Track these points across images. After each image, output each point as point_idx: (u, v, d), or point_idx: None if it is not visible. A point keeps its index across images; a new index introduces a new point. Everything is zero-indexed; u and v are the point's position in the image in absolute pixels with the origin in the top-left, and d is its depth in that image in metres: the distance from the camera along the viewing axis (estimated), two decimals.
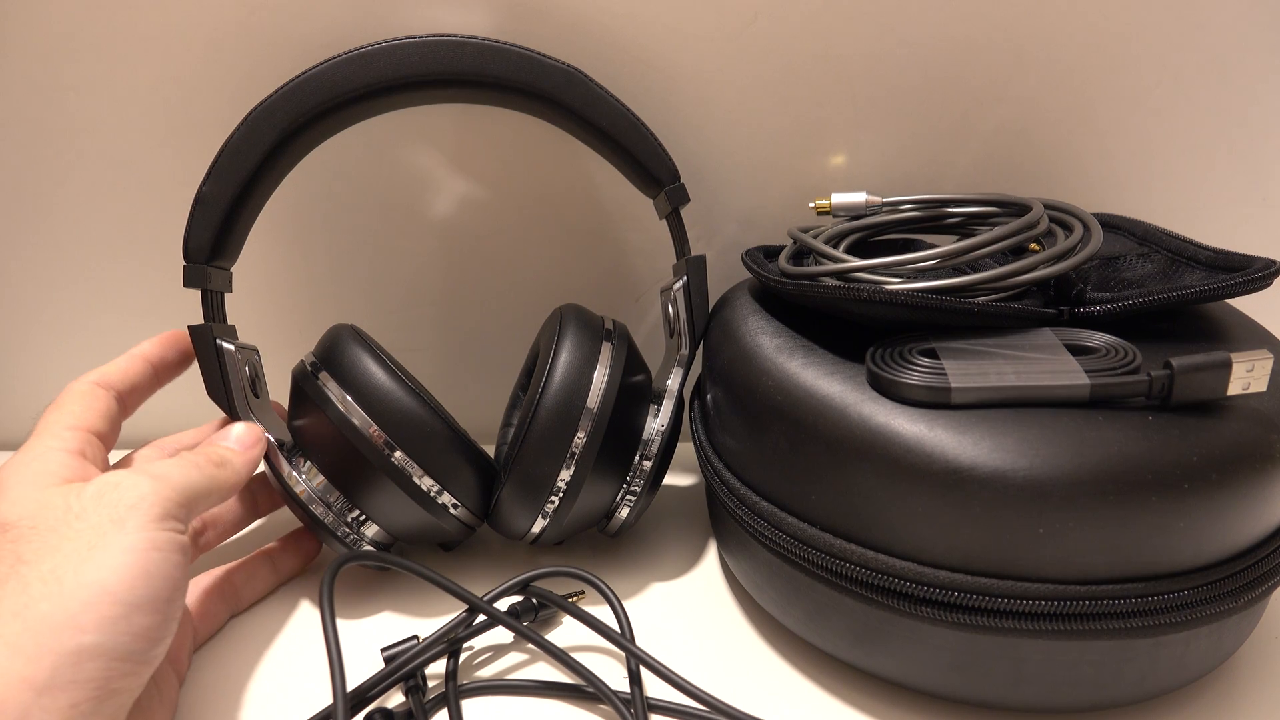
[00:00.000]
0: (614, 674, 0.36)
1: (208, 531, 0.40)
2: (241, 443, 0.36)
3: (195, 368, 0.39)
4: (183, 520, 0.31)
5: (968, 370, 0.31)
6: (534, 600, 0.38)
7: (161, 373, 0.38)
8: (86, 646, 0.26)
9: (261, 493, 0.42)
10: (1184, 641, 0.31)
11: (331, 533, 0.38)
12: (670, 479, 0.47)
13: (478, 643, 0.38)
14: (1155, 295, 0.34)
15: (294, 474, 0.38)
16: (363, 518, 0.39)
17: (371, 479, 0.37)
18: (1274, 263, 0.34)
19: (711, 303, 0.43)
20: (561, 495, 0.38)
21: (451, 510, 0.39)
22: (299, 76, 0.38)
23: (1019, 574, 0.29)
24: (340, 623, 0.37)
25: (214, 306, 0.39)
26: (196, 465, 0.33)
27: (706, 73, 0.46)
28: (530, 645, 0.38)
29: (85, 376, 0.36)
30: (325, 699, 0.34)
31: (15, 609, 0.26)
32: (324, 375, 0.38)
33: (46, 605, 0.26)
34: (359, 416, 0.37)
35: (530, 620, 0.38)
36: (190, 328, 0.38)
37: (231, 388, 0.38)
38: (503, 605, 0.38)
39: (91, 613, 0.26)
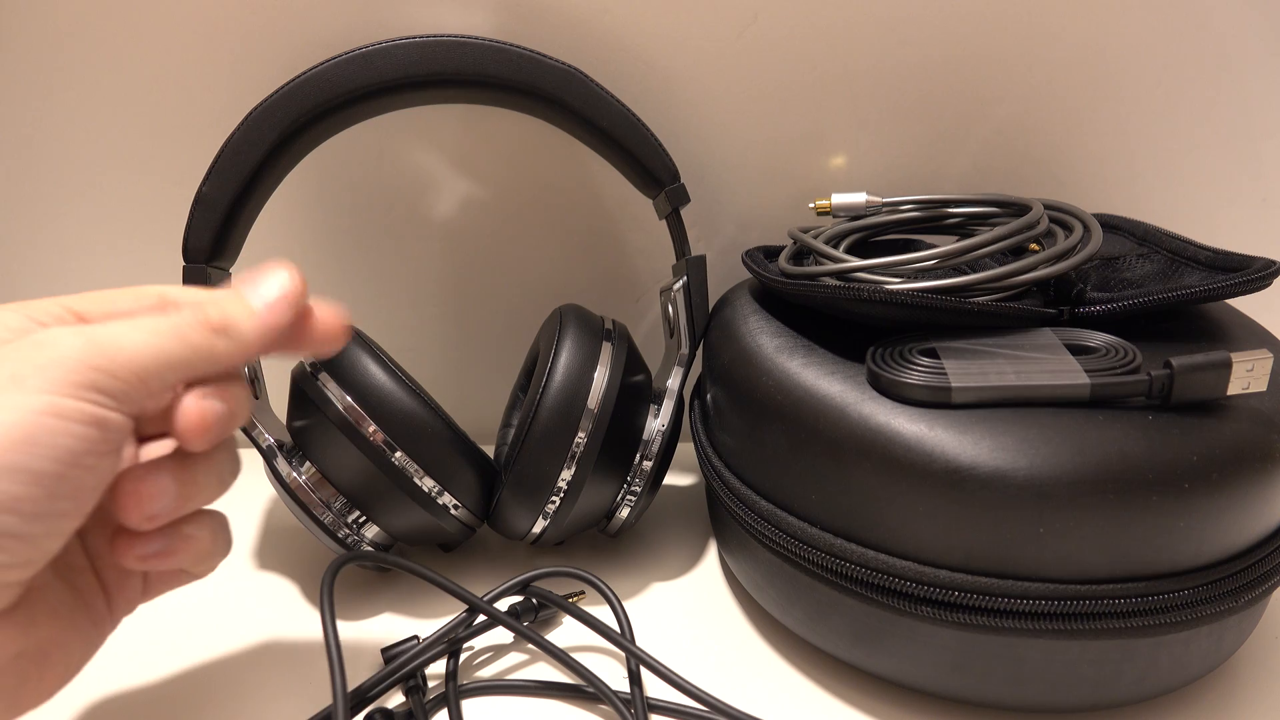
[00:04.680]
0: (614, 674, 0.36)
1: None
2: (265, 301, 0.28)
3: None
4: (117, 395, 0.25)
5: (968, 370, 0.31)
6: (534, 600, 0.38)
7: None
8: None
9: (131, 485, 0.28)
10: (1184, 641, 0.31)
11: (331, 534, 0.38)
12: (670, 479, 0.47)
13: (478, 643, 0.38)
14: (1155, 295, 0.34)
15: (294, 475, 0.38)
16: (363, 519, 0.39)
17: (371, 480, 0.37)
18: (1274, 263, 0.34)
19: (711, 303, 0.43)
20: (562, 496, 0.38)
21: (452, 511, 0.39)
22: (299, 76, 0.38)
23: (1019, 574, 0.29)
24: (340, 623, 0.37)
25: None
26: (176, 331, 0.26)
27: (707, 73, 0.46)
28: (530, 645, 0.38)
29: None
30: (325, 699, 0.34)
31: None
32: (324, 376, 0.38)
33: None
34: (359, 417, 0.37)
35: (530, 620, 0.38)
36: None
37: None
38: (503, 605, 0.38)
39: None
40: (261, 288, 0.29)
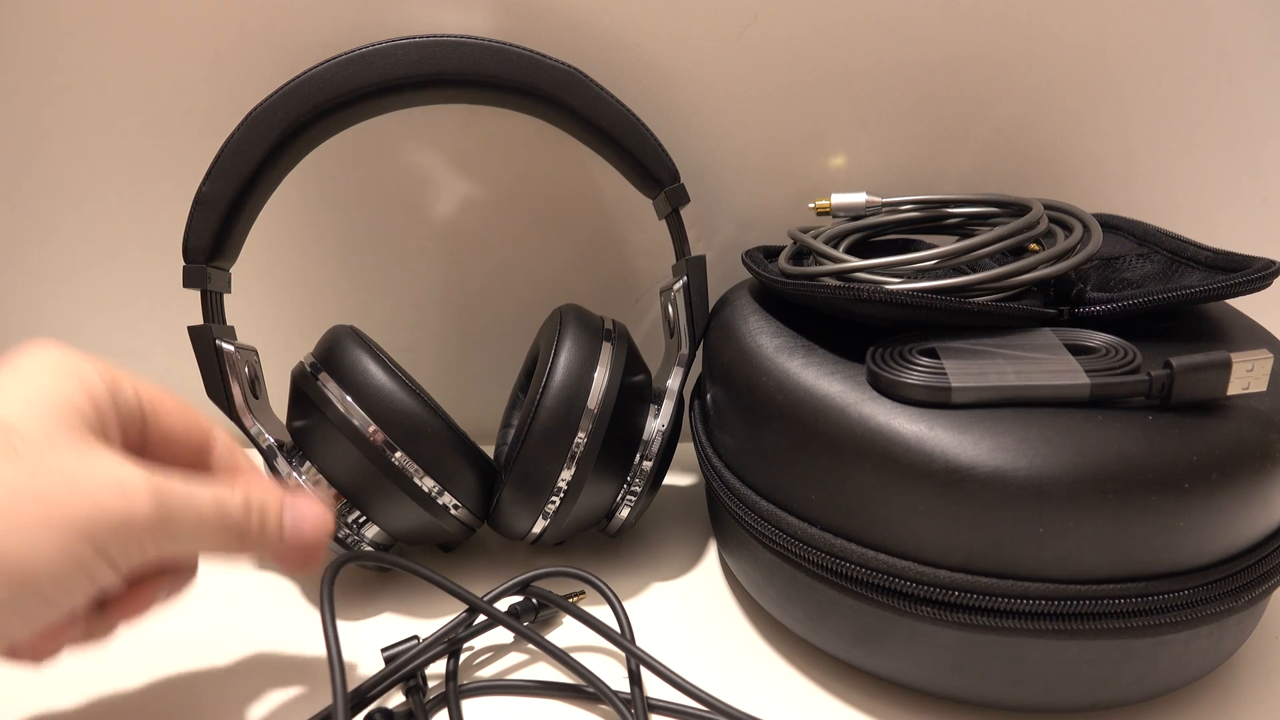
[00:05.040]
0: (614, 674, 0.36)
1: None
2: (299, 537, 0.31)
3: (196, 371, 0.39)
4: (141, 563, 0.27)
5: (968, 370, 0.31)
6: (534, 600, 0.38)
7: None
8: None
9: (118, 603, 0.30)
10: (1184, 641, 0.31)
11: (331, 534, 0.38)
12: (670, 479, 0.47)
13: (478, 643, 0.38)
14: (1155, 295, 0.34)
15: (293, 475, 0.38)
16: (363, 519, 0.39)
17: (372, 480, 0.37)
18: (1274, 263, 0.34)
19: (711, 303, 0.43)
20: (562, 496, 0.38)
21: (452, 511, 0.39)
22: (299, 76, 0.38)
23: (1019, 574, 0.29)
24: (340, 623, 0.37)
25: (213, 307, 0.39)
26: (222, 522, 0.28)
27: (707, 73, 0.46)
28: (530, 645, 0.38)
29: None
30: (325, 699, 0.34)
31: None
32: (324, 376, 0.38)
33: None
34: (359, 417, 0.37)
35: (530, 620, 0.38)
36: (190, 328, 0.38)
37: (231, 389, 0.38)
38: (503, 605, 0.38)
39: None
40: (305, 521, 0.31)
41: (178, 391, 0.41)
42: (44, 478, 0.25)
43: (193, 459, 0.32)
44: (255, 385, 0.40)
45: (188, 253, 0.38)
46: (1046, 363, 0.31)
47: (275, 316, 0.51)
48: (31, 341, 0.29)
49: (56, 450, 0.26)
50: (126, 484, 0.26)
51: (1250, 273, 0.34)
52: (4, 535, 0.24)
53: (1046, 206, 0.40)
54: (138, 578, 0.29)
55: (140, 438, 0.30)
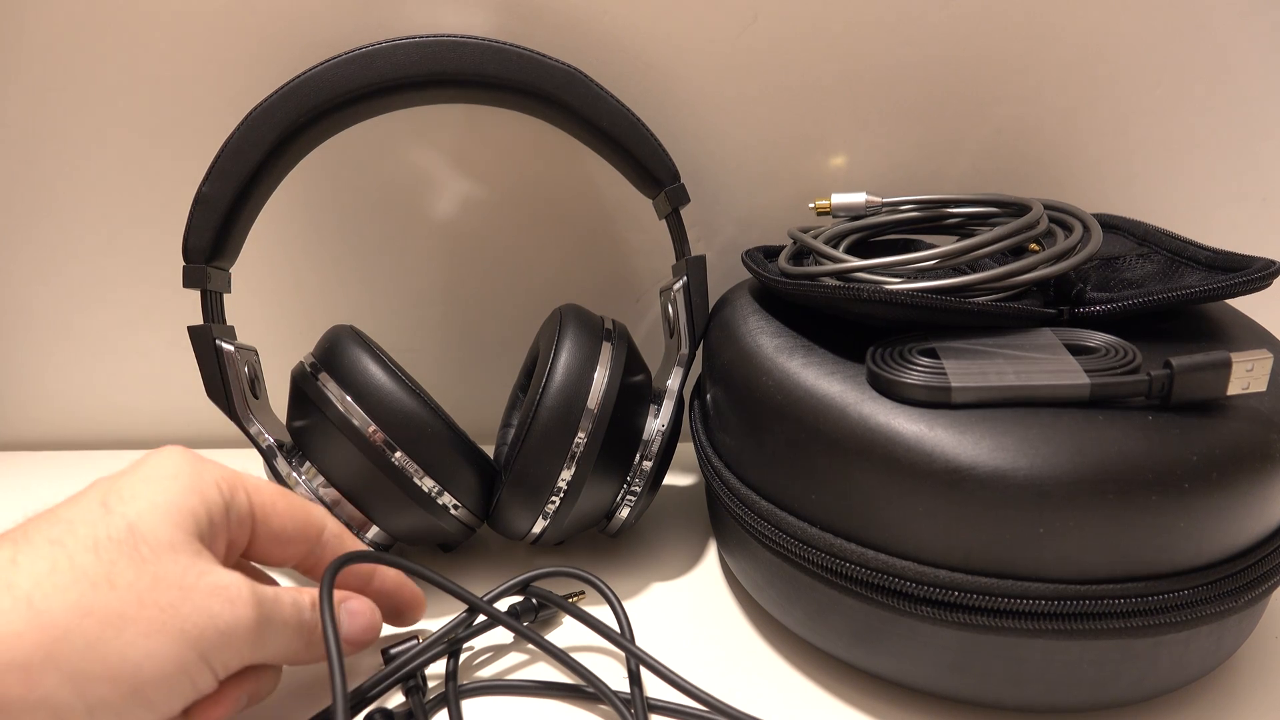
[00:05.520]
0: (614, 674, 0.36)
1: None
2: (350, 640, 0.33)
3: (196, 371, 0.39)
4: (235, 668, 0.29)
5: (968, 370, 0.31)
6: (534, 600, 0.38)
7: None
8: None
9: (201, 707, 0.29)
10: (1184, 641, 0.31)
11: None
12: (670, 479, 0.47)
13: (478, 643, 0.38)
14: (1155, 295, 0.34)
15: (293, 475, 0.38)
16: (362, 519, 0.38)
17: (371, 480, 0.37)
18: (1274, 263, 0.34)
19: (711, 303, 0.43)
20: (562, 496, 0.38)
21: (452, 511, 0.39)
22: (299, 76, 0.38)
23: (1019, 574, 0.29)
24: None
25: (213, 307, 0.39)
26: (302, 636, 0.31)
27: (707, 73, 0.46)
28: (530, 645, 0.38)
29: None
30: (325, 699, 0.34)
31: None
32: (323, 376, 0.38)
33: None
34: (359, 417, 0.37)
35: (530, 620, 0.38)
36: (190, 328, 0.38)
37: (230, 389, 0.38)
38: (503, 605, 0.38)
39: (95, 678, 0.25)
40: (359, 616, 0.34)
41: (176, 390, 0.41)
42: (164, 584, 0.26)
43: (304, 553, 0.34)
44: (255, 385, 0.40)
45: (188, 253, 0.38)
46: (1046, 363, 0.31)
47: (275, 316, 0.51)
48: (163, 448, 0.30)
49: (176, 558, 0.27)
50: (233, 592, 0.28)
51: (1250, 273, 0.34)
52: (127, 641, 0.25)
53: (1046, 206, 0.40)
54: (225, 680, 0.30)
55: (248, 541, 0.32)
